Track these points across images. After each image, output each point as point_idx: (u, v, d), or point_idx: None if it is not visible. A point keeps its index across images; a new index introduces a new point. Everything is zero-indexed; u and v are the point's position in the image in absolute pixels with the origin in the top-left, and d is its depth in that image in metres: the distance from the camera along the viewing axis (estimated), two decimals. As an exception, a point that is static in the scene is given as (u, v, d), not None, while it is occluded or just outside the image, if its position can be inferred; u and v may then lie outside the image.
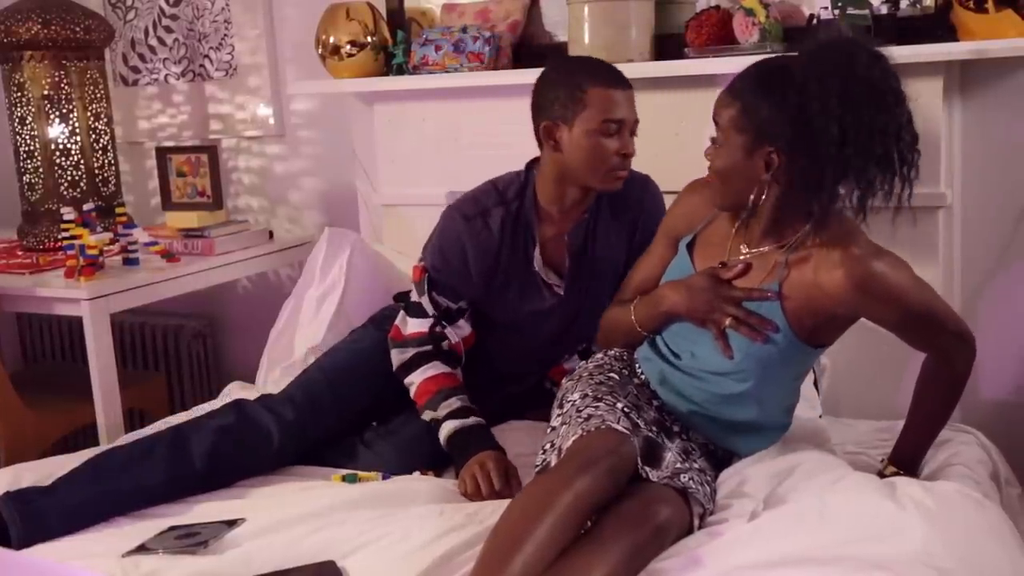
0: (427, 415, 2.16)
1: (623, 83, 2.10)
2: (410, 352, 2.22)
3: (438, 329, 2.23)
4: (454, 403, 2.14)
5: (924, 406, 1.95)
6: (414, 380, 2.20)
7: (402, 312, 2.28)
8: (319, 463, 2.18)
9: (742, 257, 1.90)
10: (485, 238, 2.21)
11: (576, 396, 1.91)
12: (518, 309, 2.25)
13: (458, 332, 2.25)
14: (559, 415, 1.92)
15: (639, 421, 1.83)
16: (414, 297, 2.27)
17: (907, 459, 1.96)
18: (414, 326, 2.24)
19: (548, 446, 1.85)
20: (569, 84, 2.09)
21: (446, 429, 2.11)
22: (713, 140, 1.87)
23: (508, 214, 2.22)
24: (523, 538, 1.58)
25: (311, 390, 2.25)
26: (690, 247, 1.99)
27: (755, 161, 1.80)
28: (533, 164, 2.26)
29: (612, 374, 1.97)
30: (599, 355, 2.08)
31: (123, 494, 2.00)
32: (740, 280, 1.88)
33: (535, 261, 2.22)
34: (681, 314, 1.92)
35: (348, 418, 2.26)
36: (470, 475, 2.00)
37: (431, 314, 2.23)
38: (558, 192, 2.19)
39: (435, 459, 2.16)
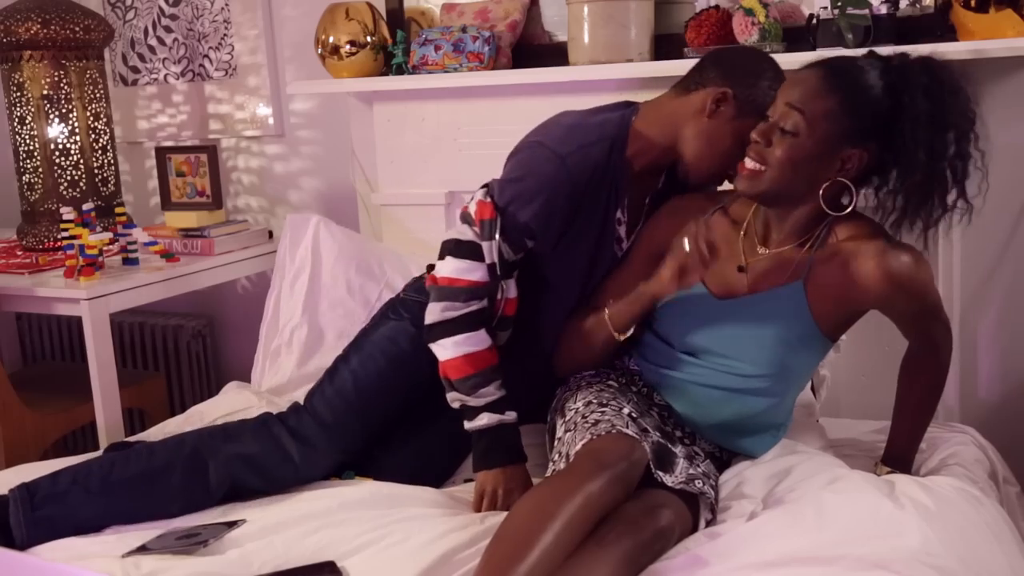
0: (455, 397, 1.98)
1: None
2: (460, 309, 1.96)
3: (493, 281, 1.97)
4: (492, 392, 1.96)
5: (912, 399, 1.96)
6: (451, 349, 1.97)
7: (448, 255, 2.01)
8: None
9: (761, 255, 1.88)
10: (578, 178, 1.95)
11: (579, 403, 1.88)
12: (587, 263, 2.03)
13: (508, 291, 2.01)
14: (561, 423, 1.90)
15: (646, 426, 1.82)
16: (466, 236, 1.99)
17: (900, 457, 1.97)
18: (468, 272, 1.97)
19: (556, 456, 1.84)
20: (773, 83, 1.92)
21: (480, 421, 1.96)
22: (781, 128, 1.77)
23: (603, 155, 1.96)
24: (530, 543, 1.54)
25: (341, 410, 2.09)
26: None
27: (833, 159, 1.77)
28: (633, 108, 2.04)
29: (611, 382, 1.96)
30: (582, 379, 2.01)
31: (134, 514, 1.95)
32: (759, 279, 1.87)
33: (620, 212, 2.03)
34: (667, 291, 1.83)
35: (373, 434, 2.14)
36: (491, 493, 1.92)
37: (490, 261, 1.97)
38: (655, 154, 1.99)
39: (439, 474, 2.12)
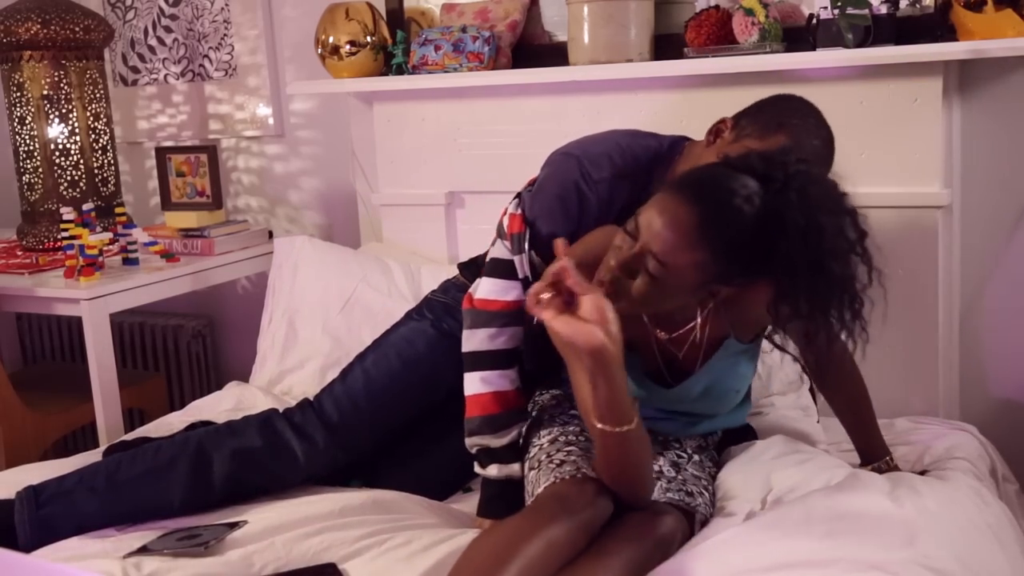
0: (474, 442, 1.93)
1: None
2: (500, 343, 1.89)
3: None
4: (511, 436, 1.91)
5: (849, 410, 1.98)
6: (479, 385, 1.92)
7: (484, 276, 1.95)
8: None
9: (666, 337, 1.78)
10: (608, 204, 1.89)
11: (544, 440, 1.82)
12: None
13: None
14: (527, 460, 1.84)
15: None
16: (500, 254, 1.94)
17: (875, 452, 1.97)
18: (504, 292, 1.91)
19: (530, 496, 1.79)
20: (771, 105, 1.86)
21: (490, 471, 1.92)
22: (635, 266, 1.55)
23: (635, 189, 1.87)
24: None
25: (349, 411, 2.07)
26: None
27: (698, 292, 1.62)
28: (682, 144, 1.97)
29: (574, 411, 1.89)
30: (550, 391, 1.96)
31: (138, 511, 1.95)
32: (695, 354, 1.79)
33: None
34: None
35: (381, 438, 2.11)
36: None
37: (522, 276, 1.89)
38: None
39: (446, 489, 2.11)
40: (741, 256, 1.54)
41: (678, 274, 1.54)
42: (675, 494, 1.73)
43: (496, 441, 1.92)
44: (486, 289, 1.94)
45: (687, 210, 1.52)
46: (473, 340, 1.93)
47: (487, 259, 1.98)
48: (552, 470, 1.71)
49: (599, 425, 1.55)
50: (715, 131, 1.93)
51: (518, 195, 1.99)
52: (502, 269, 1.92)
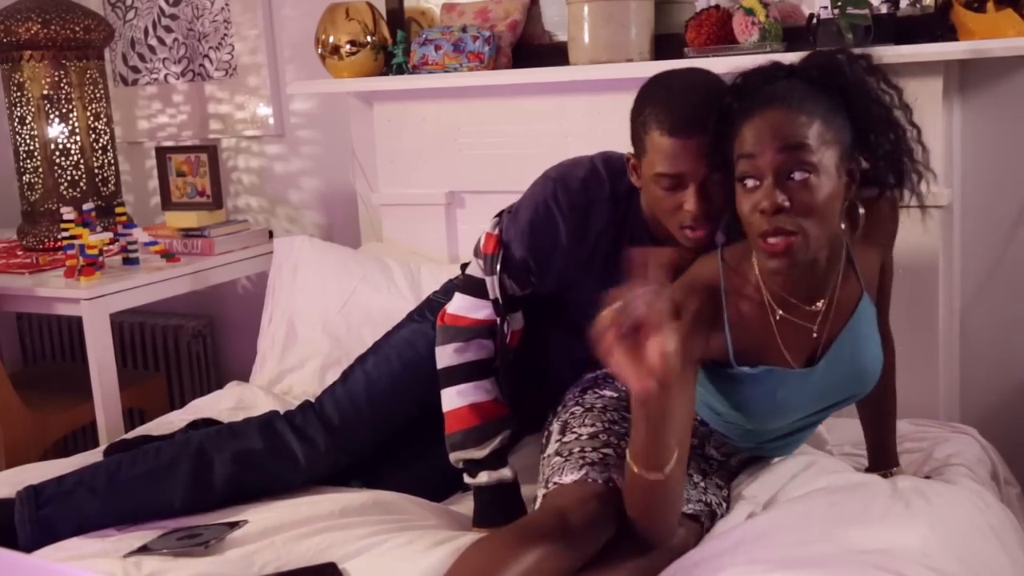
0: (457, 457, 1.93)
1: (687, 130, 1.64)
2: (469, 355, 1.92)
3: (498, 317, 1.91)
4: (494, 444, 1.90)
5: (878, 405, 1.93)
6: (455, 399, 1.92)
7: (458, 291, 1.97)
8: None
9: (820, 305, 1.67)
10: (583, 231, 1.86)
11: (584, 431, 1.76)
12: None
13: (514, 323, 1.94)
14: (558, 441, 1.78)
15: None
16: (474, 272, 1.95)
17: (885, 460, 1.95)
18: (473, 310, 1.93)
19: (541, 477, 1.78)
20: (636, 120, 1.74)
21: (480, 479, 1.91)
22: (789, 177, 1.49)
23: (615, 214, 1.85)
24: None
25: (350, 413, 2.08)
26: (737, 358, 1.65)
27: (842, 180, 1.55)
28: None
29: (627, 413, 1.78)
30: (605, 389, 1.85)
31: (138, 512, 1.96)
32: (829, 324, 1.69)
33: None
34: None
35: (382, 439, 2.12)
36: None
37: (492, 297, 1.91)
38: (656, 221, 1.81)
39: (445, 491, 2.10)
40: (840, 120, 1.54)
41: (820, 153, 1.49)
42: (695, 505, 1.72)
43: (479, 452, 1.91)
44: (457, 305, 1.96)
45: (781, 109, 1.51)
46: (444, 356, 1.95)
47: (466, 276, 1.98)
48: (583, 465, 1.67)
49: (631, 464, 1.54)
50: (632, 169, 1.81)
51: (499, 215, 1.98)
52: (474, 288, 1.94)
